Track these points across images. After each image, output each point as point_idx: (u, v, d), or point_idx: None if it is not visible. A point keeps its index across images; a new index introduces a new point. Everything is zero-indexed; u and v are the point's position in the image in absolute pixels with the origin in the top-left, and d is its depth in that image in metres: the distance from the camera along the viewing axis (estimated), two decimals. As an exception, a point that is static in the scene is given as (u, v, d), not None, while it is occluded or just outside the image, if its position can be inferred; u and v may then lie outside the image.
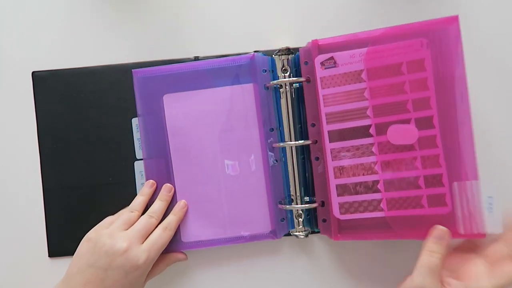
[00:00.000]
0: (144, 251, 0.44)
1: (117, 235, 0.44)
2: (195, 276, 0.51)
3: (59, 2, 0.52)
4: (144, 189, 0.49)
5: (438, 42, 0.43)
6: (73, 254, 0.49)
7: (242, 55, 0.49)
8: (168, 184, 0.49)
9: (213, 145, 0.49)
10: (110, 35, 0.52)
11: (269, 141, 0.49)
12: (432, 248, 0.41)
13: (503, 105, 0.50)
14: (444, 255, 0.40)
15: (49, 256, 0.51)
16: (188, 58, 0.51)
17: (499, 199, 0.41)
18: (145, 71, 0.49)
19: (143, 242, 0.45)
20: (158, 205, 0.48)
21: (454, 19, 0.43)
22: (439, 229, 0.41)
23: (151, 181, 0.49)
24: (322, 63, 0.46)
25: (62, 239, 0.51)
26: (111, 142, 0.51)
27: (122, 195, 0.50)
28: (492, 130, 0.50)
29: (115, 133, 0.51)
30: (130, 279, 0.43)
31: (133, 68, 0.50)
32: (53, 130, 0.51)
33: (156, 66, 0.49)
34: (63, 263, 0.51)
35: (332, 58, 0.45)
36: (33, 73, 0.51)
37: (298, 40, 0.49)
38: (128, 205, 0.49)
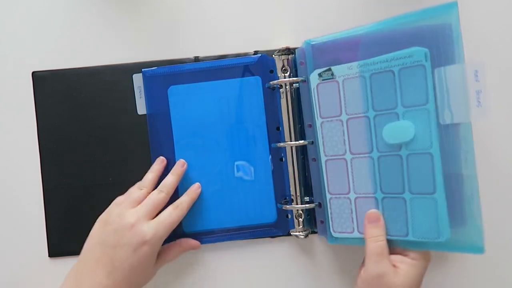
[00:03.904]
0: (152, 227, 0.43)
1: (126, 213, 0.44)
2: (194, 275, 0.51)
3: (59, 2, 0.52)
4: (154, 166, 0.49)
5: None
6: (73, 254, 0.50)
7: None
8: (182, 160, 0.49)
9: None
10: (110, 35, 0.52)
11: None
12: (373, 233, 0.42)
13: (503, 104, 0.51)
14: (385, 236, 0.42)
15: (49, 256, 0.51)
16: (188, 58, 0.51)
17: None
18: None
19: (153, 219, 0.44)
20: (170, 180, 0.47)
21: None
22: (372, 213, 0.43)
23: (161, 157, 0.49)
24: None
25: (62, 239, 0.51)
26: (111, 142, 0.51)
27: (121, 195, 0.50)
28: (492, 129, 0.50)
29: (115, 132, 0.51)
30: (138, 257, 0.42)
31: (133, 68, 0.50)
32: (53, 130, 0.51)
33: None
34: (63, 263, 0.51)
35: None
36: (33, 73, 0.51)
37: (298, 40, 0.49)
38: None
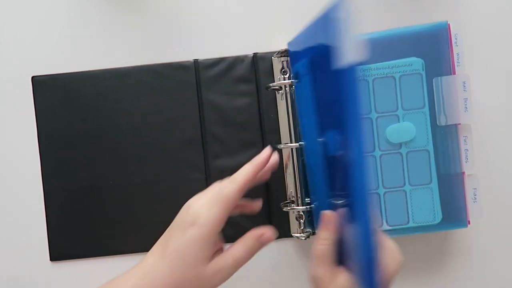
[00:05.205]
0: (203, 204, 0.37)
1: (196, 195, 0.40)
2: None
3: (58, 7, 0.52)
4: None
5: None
6: (75, 258, 0.51)
7: None
8: (268, 147, 0.42)
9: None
10: (109, 39, 0.52)
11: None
12: (323, 235, 0.38)
13: (502, 103, 0.51)
14: (331, 241, 0.37)
15: (50, 260, 0.51)
16: (188, 61, 0.51)
17: (482, 191, 0.46)
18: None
19: None
20: (245, 169, 0.40)
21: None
22: (327, 214, 0.38)
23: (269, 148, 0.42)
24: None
25: (64, 242, 0.51)
26: (111, 145, 0.51)
27: (123, 198, 0.51)
28: (491, 128, 0.51)
29: (115, 136, 0.51)
30: (185, 239, 0.36)
31: (132, 72, 0.50)
32: (53, 134, 0.51)
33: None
34: (65, 266, 0.51)
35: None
36: (32, 77, 0.51)
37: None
38: (129, 208, 0.50)
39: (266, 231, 0.39)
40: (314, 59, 0.40)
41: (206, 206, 0.37)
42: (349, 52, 0.31)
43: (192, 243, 0.36)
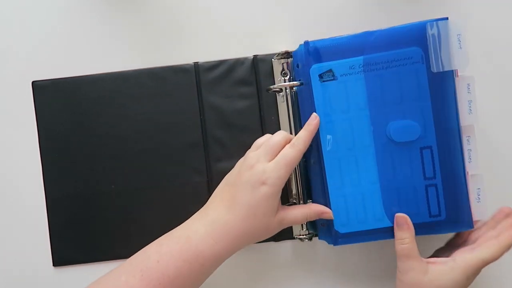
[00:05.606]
0: (269, 166, 0.42)
1: (249, 155, 0.45)
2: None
3: (58, 11, 0.52)
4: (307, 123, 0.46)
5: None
6: (77, 262, 0.51)
7: None
8: (314, 113, 0.46)
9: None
10: (109, 43, 0.52)
11: None
12: (399, 236, 0.43)
13: (504, 102, 0.51)
14: (413, 236, 0.43)
15: (53, 265, 0.51)
16: (188, 64, 0.51)
17: (486, 191, 0.46)
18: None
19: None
20: (301, 134, 0.45)
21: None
22: (399, 217, 0.44)
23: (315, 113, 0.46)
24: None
25: (66, 247, 0.51)
26: (112, 150, 0.51)
27: (125, 202, 0.51)
28: (494, 128, 0.51)
29: (116, 140, 0.51)
30: (256, 196, 0.42)
31: (132, 75, 0.51)
32: (55, 139, 0.51)
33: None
34: (67, 272, 0.51)
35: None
36: (33, 82, 0.51)
37: (298, 43, 0.49)
38: (132, 212, 0.50)
39: (328, 211, 0.45)
40: (377, 60, 0.45)
41: (274, 167, 0.42)
42: (448, 61, 0.44)
43: (263, 199, 0.42)
